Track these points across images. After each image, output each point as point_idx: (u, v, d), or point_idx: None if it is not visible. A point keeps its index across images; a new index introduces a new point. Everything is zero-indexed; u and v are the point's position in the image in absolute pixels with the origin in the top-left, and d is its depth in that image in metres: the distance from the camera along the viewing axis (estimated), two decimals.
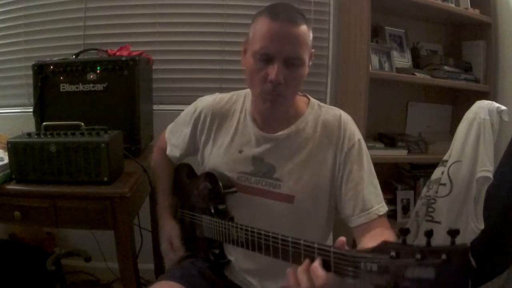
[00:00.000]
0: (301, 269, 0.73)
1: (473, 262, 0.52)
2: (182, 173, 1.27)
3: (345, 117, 1.07)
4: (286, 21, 0.92)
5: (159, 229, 1.24)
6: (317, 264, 0.70)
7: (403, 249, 0.58)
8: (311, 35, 0.98)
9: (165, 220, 1.22)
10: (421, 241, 1.73)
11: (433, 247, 0.55)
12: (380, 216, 0.98)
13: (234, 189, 1.06)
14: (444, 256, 0.53)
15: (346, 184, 1.01)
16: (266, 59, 0.93)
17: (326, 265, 0.70)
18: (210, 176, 1.08)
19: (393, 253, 0.59)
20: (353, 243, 1.06)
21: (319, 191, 1.03)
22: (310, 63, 1.03)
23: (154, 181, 1.33)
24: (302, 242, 0.77)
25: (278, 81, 0.92)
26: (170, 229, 1.19)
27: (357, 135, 1.05)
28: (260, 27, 0.94)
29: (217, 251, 1.12)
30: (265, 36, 0.93)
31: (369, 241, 0.91)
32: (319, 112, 1.07)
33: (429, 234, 0.57)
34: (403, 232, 0.60)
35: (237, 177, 1.07)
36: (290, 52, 0.93)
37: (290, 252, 0.79)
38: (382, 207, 0.99)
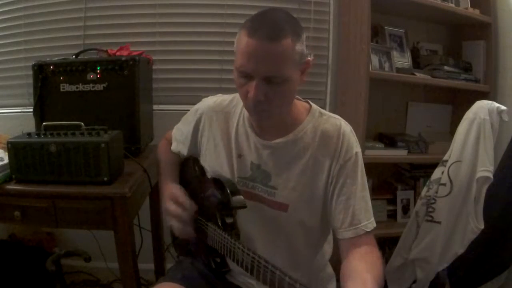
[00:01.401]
0: None
1: None
2: (189, 168, 1.23)
3: (345, 128, 1.03)
4: (263, 39, 0.86)
5: (161, 195, 1.16)
6: None
7: None
8: (299, 47, 0.90)
9: (168, 184, 1.14)
10: (421, 241, 1.74)
11: None
12: (367, 232, 0.97)
13: (244, 203, 0.99)
14: None
15: (337, 196, 0.99)
16: (246, 76, 0.91)
17: None
18: (219, 183, 1.03)
19: None
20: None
21: (314, 201, 1.02)
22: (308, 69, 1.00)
23: (158, 164, 1.29)
24: (297, 285, 0.73)
25: (257, 99, 0.90)
26: (173, 187, 1.11)
27: (355, 148, 1.02)
28: (239, 43, 0.91)
29: (218, 260, 1.10)
30: (242, 53, 0.89)
31: (356, 263, 0.89)
32: (319, 120, 1.04)
33: None
34: None
35: (236, 181, 1.07)
36: (267, 72, 0.88)
37: None
38: (370, 224, 0.98)
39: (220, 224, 1.01)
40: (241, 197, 1.00)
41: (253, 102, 0.91)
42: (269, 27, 0.88)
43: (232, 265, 1.11)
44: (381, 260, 0.94)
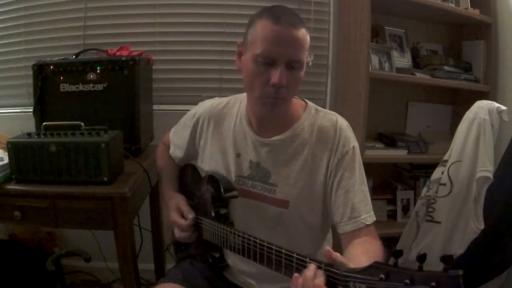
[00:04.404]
0: (309, 276, 0.71)
1: None
2: (187, 174, 1.27)
3: (342, 123, 1.05)
4: (288, 25, 0.92)
5: (165, 206, 1.21)
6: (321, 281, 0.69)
7: (393, 272, 0.57)
8: (309, 38, 0.98)
9: (171, 194, 1.19)
10: (421, 241, 1.74)
11: (424, 272, 0.55)
12: (367, 225, 0.97)
13: (235, 193, 1.05)
14: (433, 283, 0.52)
15: (336, 190, 1.00)
16: (269, 62, 0.93)
17: None
18: (212, 179, 1.08)
19: (382, 276, 0.58)
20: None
21: (314, 196, 1.03)
22: (310, 63, 1.02)
23: (158, 170, 1.33)
24: (295, 255, 0.78)
25: (282, 85, 0.92)
26: (177, 199, 1.16)
27: (352, 142, 1.03)
28: (262, 30, 0.93)
29: (217, 255, 1.12)
30: (267, 39, 0.92)
31: (353, 248, 0.91)
32: (316, 117, 1.06)
33: (421, 258, 0.56)
34: (395, 254, 0.59)
35: (234, 180, 1.07)
36: (293, 56, 0.93)
37: (283, 263, 0.79)
38: (370, 217, 0.99)
39: (214, 216, 1.05)
40: (234, 188, 1.06)
41: (277, 87, 0.92)
42: (290, 15, 0.95)
43: (230, 261, 1.12)
44: (382, 249, 0.93)
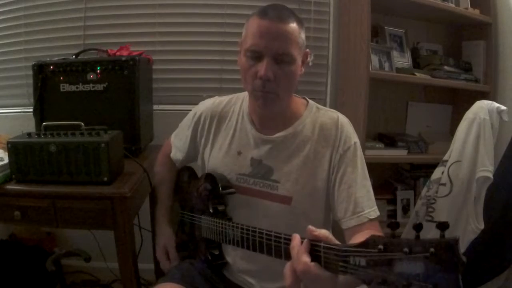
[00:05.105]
0: (294, 246, 0.74)
1: (463, 257, 0.51)
2: (184, 175, 1.28)
3: (343, 119, 1.07)
4: (274, 19, 0.94)
5: (155, 233, 1.26)
6: (303, 249, 0.71)
7: (391, 243, 0.58)
8: (302, 35, 0.99)
9: (162, 227, 1.24)
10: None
11: (421, 240, 0.55)
12: (371, 220, 0.98)
13: (232, 190, 1.06)
14: (432, 249, 0.52)
15: (339, 185, 1.01)
16: (256, 56, 0.95)
17: (317, 260, 0.70)
18: (210, 177, 1.09)
19: (380, 247, 0.58)
20: None
21: (316, 192, 1.03)
22: (310, 63, 1.03)
23: (155, 185, 1.34)
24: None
25: (267, 77, 0.93)
26: (166, 238, 1.21)
27: (354, 138, 1.05)
28: (251, 26, 0.97)
29: (216, 252, 1.12)
30: (254, 33, 0.95)
31: (354, 240, 0.91)
32: (317, 114, 1.08)
33: (417, 227, 0.56)
34: (392, 226, 0.59)
35: (236, 179, 1.08)
36: (278, 48, 0.94)
37: (283, 248, 0.80)
38: (373, 211, 0.99)
39: (212, 212, 1.06)
40: (231, 186, 1.07)
41: (263, 80, 0.94)
42: (278, 11, 0.97)
43: (230, 259, 1.13)
44: None
